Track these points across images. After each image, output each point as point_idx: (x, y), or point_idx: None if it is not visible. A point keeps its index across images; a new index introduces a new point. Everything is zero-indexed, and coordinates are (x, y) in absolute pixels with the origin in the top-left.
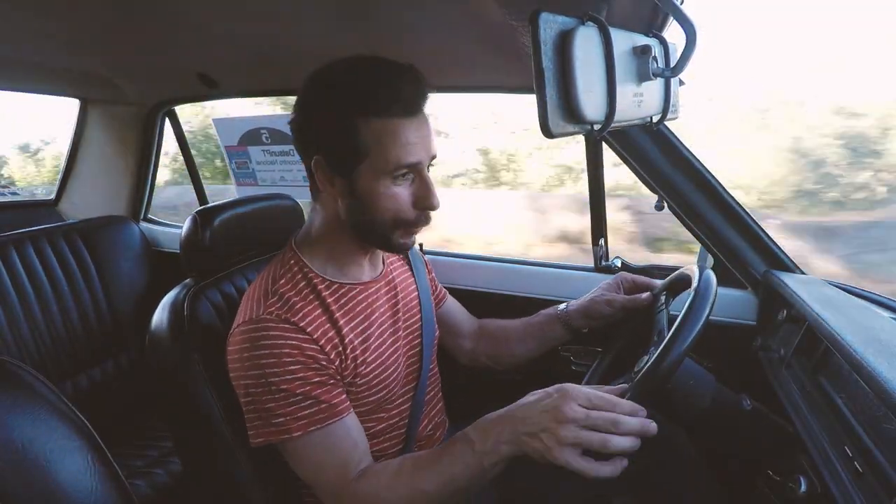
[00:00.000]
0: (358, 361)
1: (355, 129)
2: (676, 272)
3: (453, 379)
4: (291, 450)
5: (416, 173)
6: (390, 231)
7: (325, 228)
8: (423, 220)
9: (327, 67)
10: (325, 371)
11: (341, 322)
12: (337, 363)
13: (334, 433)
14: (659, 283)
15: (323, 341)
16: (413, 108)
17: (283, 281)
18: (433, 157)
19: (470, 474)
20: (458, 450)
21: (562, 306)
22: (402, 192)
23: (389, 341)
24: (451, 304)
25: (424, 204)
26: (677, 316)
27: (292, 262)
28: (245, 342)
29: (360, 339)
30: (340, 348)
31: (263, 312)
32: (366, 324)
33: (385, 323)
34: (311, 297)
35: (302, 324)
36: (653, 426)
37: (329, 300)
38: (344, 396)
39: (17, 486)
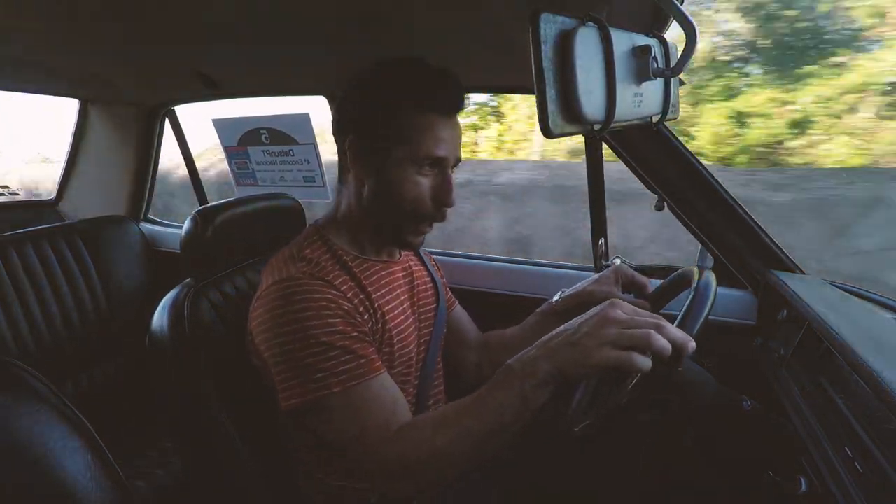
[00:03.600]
0: (385, 328)
1: (400, 116)
2: (676, 272)
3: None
4: (329, 408)
5: (441, 170)
6: (404, 221)
7: (350, 211)
8: (437, 216)
9: (380, 61)
10: (360, 327)
11: (369, 289)
12: (370, 324)
13: (374, 389)
14: (652, 286)
15: (356, 301)
16: (453, 109)
17: (308, 250)
18: (458, 161)
19: (512, 403)
20: (498, 380)
21: (556, 298)
22: (424, 184)
23: (410, 320)
24: (461, 312)
25: (442, 199)
26: (677, 316)
27: (316, 236)
28: (278, 299)
29: (386, 308)
30: (371, 311)
31: (295, 272)
32: (389, 297)
33: (405, 303)
34: (338, 266)
35: (336, 282)
36: (692, 343)
37: (355, 270)
38: (378, 355)
39: (16, 486)
